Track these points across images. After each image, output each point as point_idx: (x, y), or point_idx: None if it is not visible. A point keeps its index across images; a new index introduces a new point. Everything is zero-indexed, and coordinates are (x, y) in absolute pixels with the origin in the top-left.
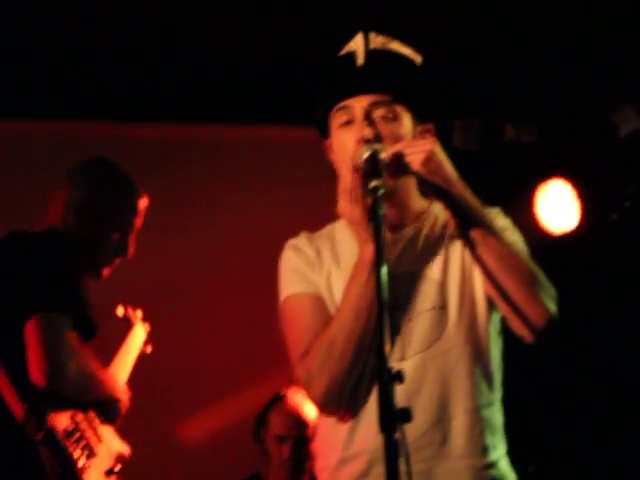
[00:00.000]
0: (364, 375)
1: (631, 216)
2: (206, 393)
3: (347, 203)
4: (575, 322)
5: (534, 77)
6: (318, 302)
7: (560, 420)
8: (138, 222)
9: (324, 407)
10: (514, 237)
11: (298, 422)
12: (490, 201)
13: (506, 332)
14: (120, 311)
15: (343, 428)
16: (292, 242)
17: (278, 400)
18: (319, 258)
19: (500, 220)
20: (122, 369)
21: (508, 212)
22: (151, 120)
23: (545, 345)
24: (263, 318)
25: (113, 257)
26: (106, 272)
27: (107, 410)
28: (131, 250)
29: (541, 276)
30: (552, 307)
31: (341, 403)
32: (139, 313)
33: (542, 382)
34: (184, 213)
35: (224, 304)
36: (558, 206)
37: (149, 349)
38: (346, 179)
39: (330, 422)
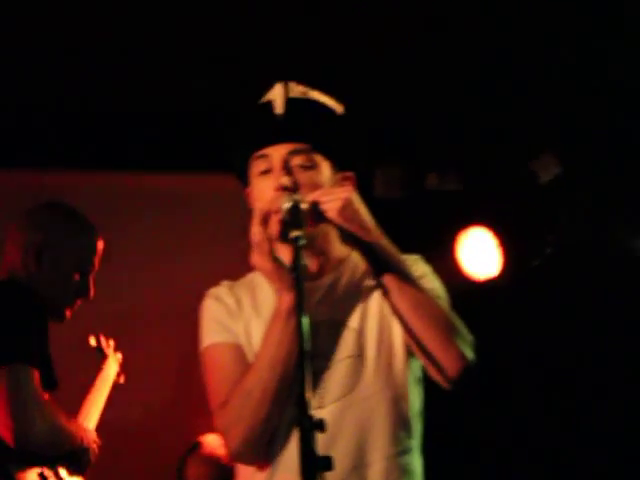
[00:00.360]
0: (282, 423)
1: (552, 262)
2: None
3: (257, 255)
4: (495, 368)
5: (455, 125)
6: (238, 352)
7: (479, 467)
8: (97, 262)
9: (241, 457)
10: (433, 284)
11: (213, 470)
12: (412, 249)
13: (428, 380)
14: (92, 341)
15: (261, 476)
16: (212, 291)
17: (194, 448)
18: (239, 307)
19: (419, 267)
20: (94, 409)
21: (430, 260)
22: (99, 168)
23: (464, 391)
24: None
25: (75, 298)
26: (68, 314)
27: (76, 460)
28: (92, 290)
29: (458, 323)
30: (468, 354)
31: (258, 453)
32: (112, 343)
33: (462, 429)
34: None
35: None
36: (480, 253)
37: (122, 379)
38: (270, 227)
39: (248, 470)
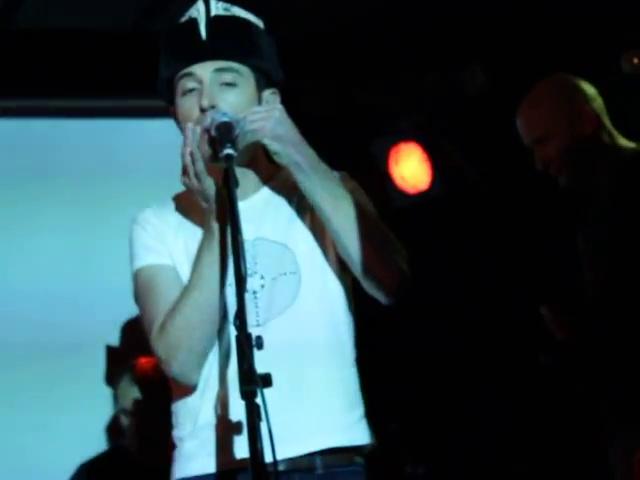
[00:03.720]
0: (218, 341)
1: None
2: None
3: (187, 175)
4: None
5: (381, 36)
6: (169, 273)
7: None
8: None
9: (182, 378)
10: (363, 199)
11: (145, 391)
12: (339, 166)
13: (361, 294)
14: None
15: (198, 395)
16: (139, 216)
17: (127, 370)
18: (167, 228)
19: (347, 183)
20: None
21: (359, 176)
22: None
23: (397, 308)
24: None
25: None
26: None
27: None
28: None
29: (392, 237)
30: (404, 267)
31: (198, 373)
32: None
33: (395, 346)
34: None
35: None
36: (409, 168)
37: None
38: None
39: (185, 390)
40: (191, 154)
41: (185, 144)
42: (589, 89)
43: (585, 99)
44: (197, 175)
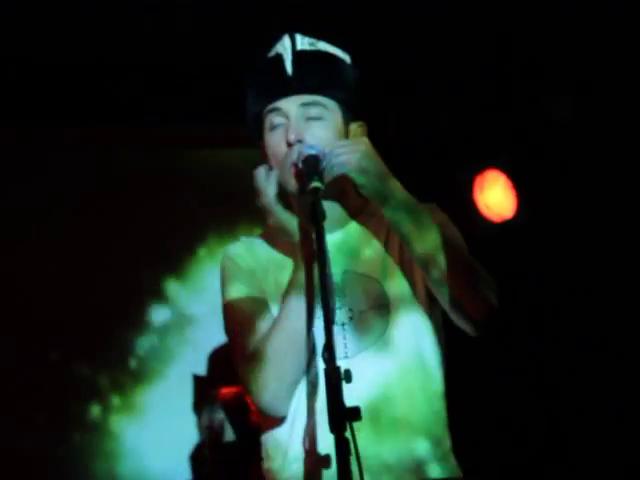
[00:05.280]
0: (305, 373)
1: (566, 203)
2: None
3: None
4: (514, 313)
5: (464, 63)
6: (260, 305)
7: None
8: None
9: (271, 408)
10: (451, 232)
11: (228, 423)
12: (427, 193)
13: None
14: None
15: (286, 426)
16: (230, 249)
17: (209, 401)
18: (258, 262)
19: (436, 215)
20: None
21: (444, 203)
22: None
23: (486, 336)
24: None
25: None
26: None
27: None
28: None
29: (480, 269)
30: (492, 299)
31: (287, 403)
32: None
33: (484, 374)
34: None
35: None
36: (494, 197)
37: None
38: (286, 180)
39: (274, 421)
40: (256, 191)
41: (267, 182)
42: None
43: None
44: (263, 208)
